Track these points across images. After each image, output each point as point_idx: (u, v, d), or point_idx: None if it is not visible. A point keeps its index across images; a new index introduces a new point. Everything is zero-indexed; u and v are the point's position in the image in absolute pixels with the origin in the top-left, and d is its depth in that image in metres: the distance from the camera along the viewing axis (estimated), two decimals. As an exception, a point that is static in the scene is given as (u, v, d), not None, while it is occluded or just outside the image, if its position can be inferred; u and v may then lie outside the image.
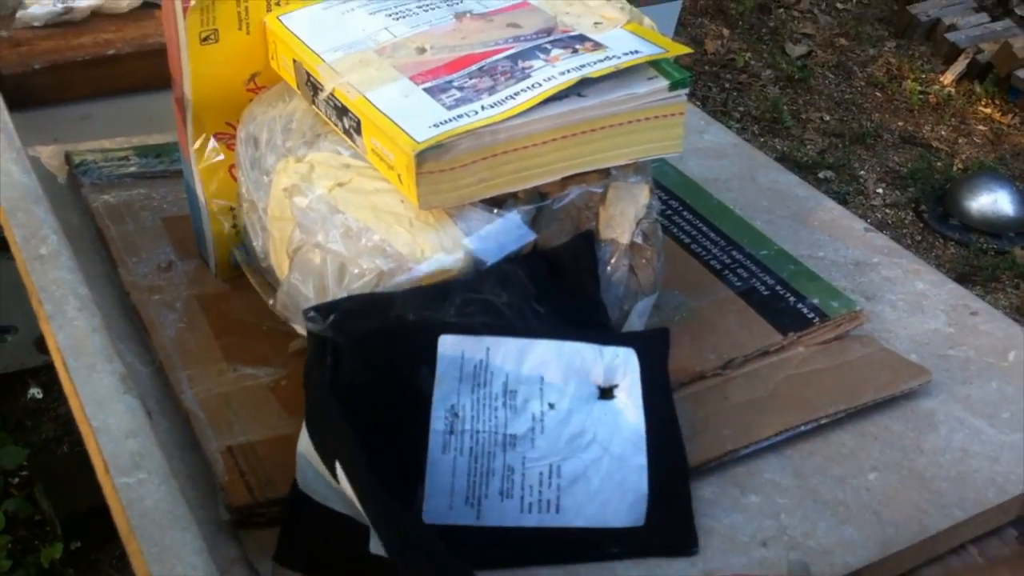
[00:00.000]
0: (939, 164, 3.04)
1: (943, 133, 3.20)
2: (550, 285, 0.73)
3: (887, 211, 2.85)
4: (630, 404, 0.70)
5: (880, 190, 2.93)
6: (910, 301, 0.91)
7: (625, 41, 0.73)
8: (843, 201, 2.82)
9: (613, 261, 0.75)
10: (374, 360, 0.66)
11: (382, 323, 0.66)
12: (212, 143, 0.80)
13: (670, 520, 0.68)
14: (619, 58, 0.70)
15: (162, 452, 0.61)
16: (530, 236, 0.71)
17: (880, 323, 0.88)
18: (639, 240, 0.76)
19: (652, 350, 0.73)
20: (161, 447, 0.64)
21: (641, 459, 0.68)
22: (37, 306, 0.72)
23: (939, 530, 0.71)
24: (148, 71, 1.05)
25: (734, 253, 0.93)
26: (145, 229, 0.89)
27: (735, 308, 0.86)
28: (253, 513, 0.66)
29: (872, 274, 0.94)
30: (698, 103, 3.15)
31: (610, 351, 0.71)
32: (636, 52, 0.71)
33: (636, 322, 0.78)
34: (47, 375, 2.17)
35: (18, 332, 2.02)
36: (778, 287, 0.88)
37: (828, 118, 3.21)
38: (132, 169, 0.96)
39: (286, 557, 0.64)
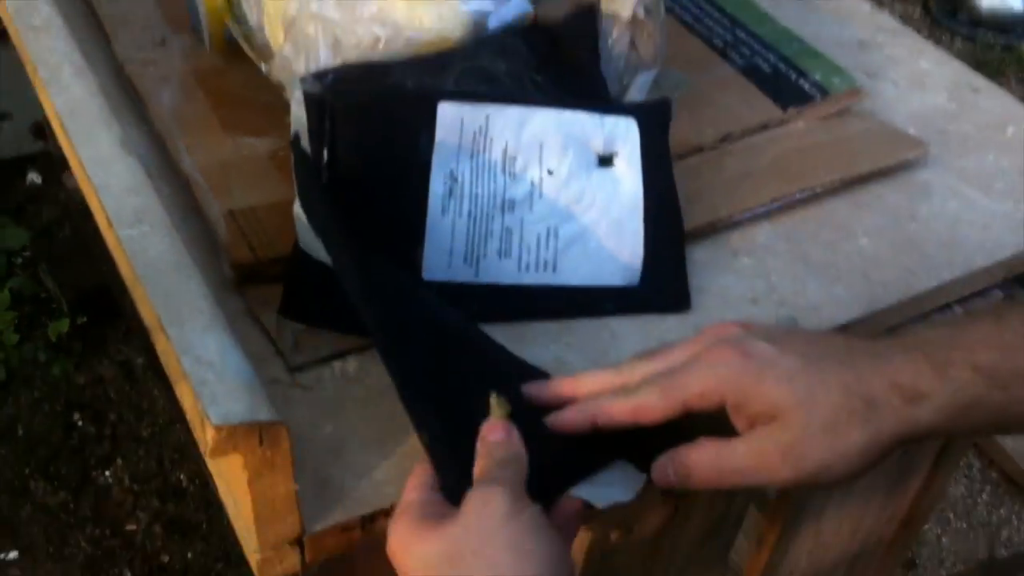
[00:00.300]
0: (952, -44, 2.95)
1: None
2: (550, 57, 0.73)
3: (896, 5, 2.79)
4: (629, 172, 0.70)
5: (890, -18, 2.86)
6: (912, 79, 0.91)
7: None
8: (852, -7, 2.75)
9: (614, 34, 0.75)
10: (372, 126, 0.66)
11: (380, 90, 0.66)
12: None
13: (664, 280, 0.70)
14: None
15: (163, 210, 0.62)
16: (528, 7, 0.71)
17: (881, 100, 0.88)
18: (641, 14, 0.75)
19: (653, 120, 0.73)
20: (165, 206, 0.65)
21: (638, 223, 0.70)
22: (33, 75, 0.72)
23: (926, 289, 0.74)
24: None
25: (737, 32, 0.92)
26: (137, 4, 0.87)
27: (736, 85, 0.86)
28: (255, 271, 0.68)
29: (876, 53, 0.93)
30: None
31: (611, 120, 0.71)
32: None
33: (636, 96, 0.78)
34: (45, 161, 2.17)
35: (14, 119, 1.99)
36: (780, 64, 0.88)
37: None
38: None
39: (290, 310, 0.66)
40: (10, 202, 2.15)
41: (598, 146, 0.70)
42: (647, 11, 0.76)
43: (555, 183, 0.68)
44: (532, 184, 0.68)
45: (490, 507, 0.51)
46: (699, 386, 0.54)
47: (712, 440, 0.55)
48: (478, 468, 0.54)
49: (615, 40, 0.75)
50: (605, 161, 0.70)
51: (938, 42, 2.67)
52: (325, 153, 0.66)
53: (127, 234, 0.60)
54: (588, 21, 0.74)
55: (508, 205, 0.67)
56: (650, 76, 0.79)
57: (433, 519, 0.52)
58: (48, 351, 1.94)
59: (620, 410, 0.55)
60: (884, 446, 0.53)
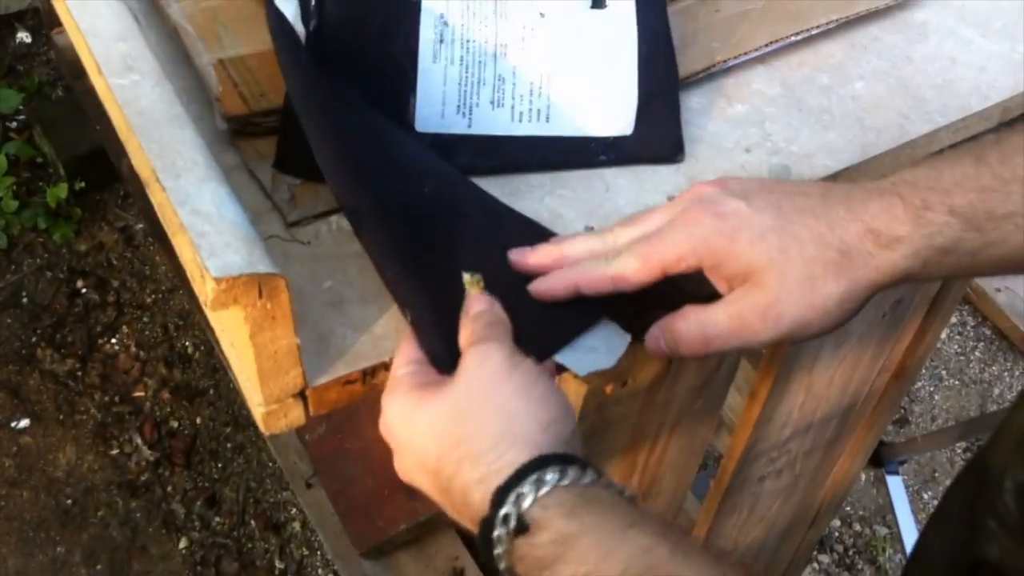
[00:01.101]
0: None
1: None
2: None
3: None
4: (622, 13, 0.69)
5: None
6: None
7: None
8: None
9: None
10: None
11: None
12: None
13: (657, 129, 0.69)
14: None
15: (153, 58, 0.61)
16: None
17: (878, -61, 0.86)
18: None
19: None
20: (154, 55, 0.64)
21: (632, 69, 0.68)
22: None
23: (919, 135, 0.73)
24: None
25: None
26: None
27: None
28: (249, 123, 0.67)
29: None
30: None
31: None
32: None
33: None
34: (34, 19, 2.12)
35: None
36: None
37: None
38: None
39: (284, 163, 0.65)
40: (1, 64, 2.12)
41: None
42: None
43: (547, 26, 0.67)
44: (524, 27, 0.66)
45: (491, 360, 0.51)
46: (675, 251, 0.55)
47: (695, 308, 0.56)
48: (465, 335, 0.54)
49: None
50: (598, 2, 0.69)
51: None
52: (312, 2, 0.64)
53: (118, 83, 0.59)
54: None
55: (500, 51, 0.66)
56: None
57: (430, 386, 0.52)
58: (48, 217, 1.94)
59: (601, 277, 0.56)
60: (860, 295, 0.54)
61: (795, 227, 0.54)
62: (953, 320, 1.83)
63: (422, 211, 0.60)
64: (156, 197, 0.56)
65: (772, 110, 0.73)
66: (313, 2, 0.64)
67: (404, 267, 0.57)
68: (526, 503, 0.47)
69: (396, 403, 0.53)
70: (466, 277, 0.57)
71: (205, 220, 0.53)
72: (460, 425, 0.50)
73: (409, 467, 0.53)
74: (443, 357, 0.54)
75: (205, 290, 0.51)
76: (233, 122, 0.67)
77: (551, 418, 0.50)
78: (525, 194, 0.66)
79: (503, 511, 0.47)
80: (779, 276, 0.53)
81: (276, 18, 0.63)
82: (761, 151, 0.71)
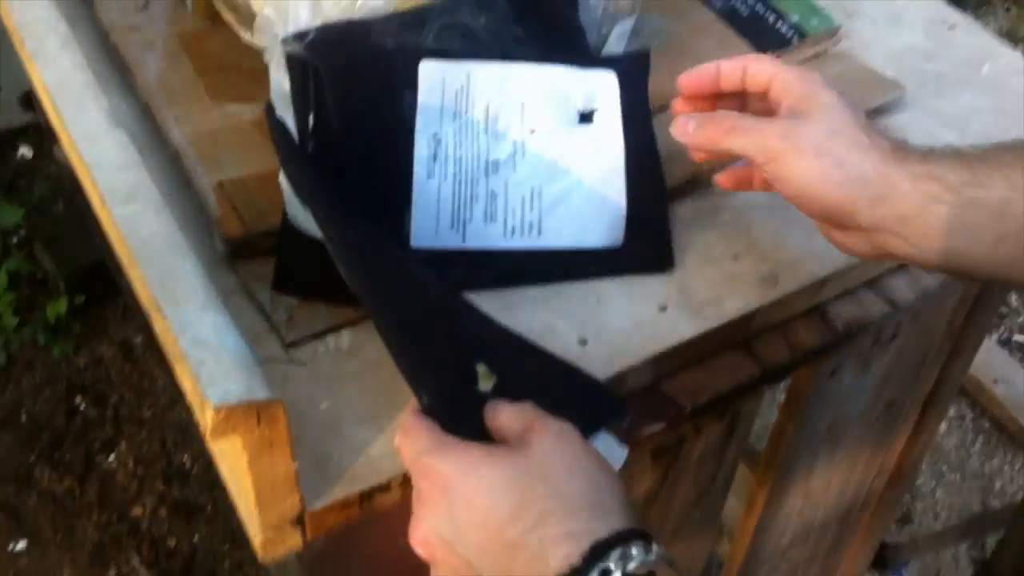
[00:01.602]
0: None
1: None
2: (529, 9, 0.73)
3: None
4: (610, 127, 0.70)
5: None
6: (889, 16, 0.91)
7: None
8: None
9: (592, -16, 0.75)
10: (355, 88, 0.66)
11: (361, 50, 0.66)
12: None
13: (647, 239, 0.71)
14: None
15: (156, 187, 0.62)
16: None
17: (859, 39, 0.88)
18: (617, -37, 0.75)
19: (632, 73, 0.73)
20: (156, 182, 0.65)
21: (620, 181, 0.70)
22: (19, 46, 0.71)
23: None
24: None
25: (714, -25, 0.91)
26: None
27: (714, 30, 0.86)
28: (248, 244, 0.68)
29: (853, -10, 0.93)
30: None
31: (590, 74, 0.71)
32: None
33: (615, 46, 0.79)
34: (35, 135, 2.15)
35: (1, 90, 1.96)
36: (758, 6, 0.88)
37: None
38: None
39: (284, 284, 0.66)
40: (2, 178, 2.14)
41: (579, 102, 0.70)
42: (623, -39, 0.76)
43: (537, 142, 0.68)
44: (515, 144, 0.68)
45: (570, 435, 0.53)
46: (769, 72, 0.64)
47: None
48: (521, 416, 0.54)
49: (593, -10, 0.75)
50: (586, 117, 0.70)
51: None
52: (311, 118, 0.66)
53: (120, 213, 0.61)
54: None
55: (492, 167, 0.67)
56: (628, 24, 0.79)
57: (493, 448, 0.53)
58: (47, 333, 1.94)
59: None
60: (868, 179, 0.60)
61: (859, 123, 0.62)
62: (952, 413, 1.82)
63: (431, 301, 0.62)
64: (157, 325, 0.57)
65: (759, 217, 0.74)
66: (311, 123, 0.65)
67: (417, 353, 0.57)
68: (631, 564, 0.47)
69: (455, 457, 0.52)
70: (481, 368, 0.57)
71: (205, 349, 0.54)
72: (546, 483, 0.50)
73: (462, 521, 0.51)
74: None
75: (205, 419, 0.51)
76: (232, 244, 0.68)
77: (628, 499, 0.51)
78: (518, 307, 0.67)
79: (602, 564, 0.47)
80: (823, 127, 0.61)
81: (278, 130, 0.65)
82: (749, 258, 0.72)
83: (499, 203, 0.67)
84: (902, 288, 0.78)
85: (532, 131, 0.68)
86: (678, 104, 0.68)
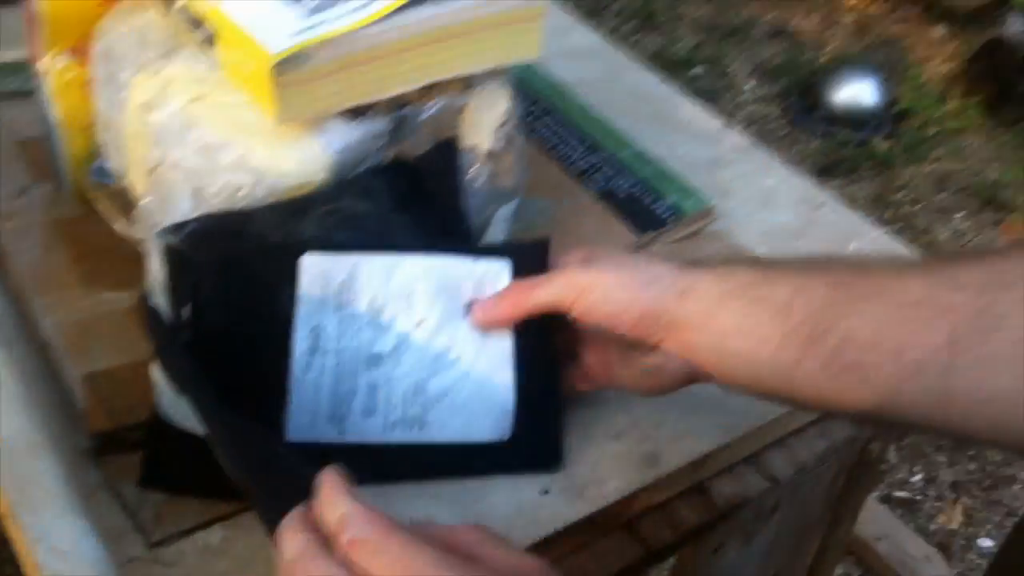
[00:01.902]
0: (806, 57, 3.12)
1: (812, 24, 3.27)
2: (412, 194, 0.74)
3: (756, 106, 2.92)
4: None
5: (749, 85, 2.99)
6: (760, 196, 0.95)
7: (482, -54, 0.73)
8: (713, 97, 2.88)
9: (474, 168, 0.77)
10: (234, 281, 0.66)
11: (241, 243, 0.66)
12: (65, 59, 0.78)
13: (536, 436, 0.70)
14: (474, -35, 0.71)
15: (18, 383, 0.61)
16: (390, 146, 0.72)
17: (733, 219, 0.92)
18: (500, 146, 0.77)
19: (527, 262, 0.71)
20: (20, 377, 0.64)
21: (508, 374, 0.69)
22: None
23: (783, 412, 0.76)
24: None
25: (595, 155, 0.95)
26: (-1, 153, 0.87)
27: (595, 211, 0.89)
28: (115, 439, 0.66)
29: (726, 171, 0.98)
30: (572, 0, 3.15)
31: (482, 264, 0.70)
32: (490, -41, 0.71)
33: (499, 228, 0.80)
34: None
35: None
36: (636, 188, 0.91)
37: (701, 12, 3.24)
38: (-20, 90, 0.93)
39: (150, 480, 0.65)
40: None
41: (468, 292, 0.69)
42: (506, 143, 0.78)
43: (423, 334, 0.68)
44: (399, 336, 0.67)
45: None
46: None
47: None
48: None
49: (475, 173, 0.77)
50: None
51: (796, 140, 2.80)
52: (188, 309, 0.65)
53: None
54: (448, 156, 0.75)
55: (374, 360, 0.66)
56: (511, 207, 0.81)
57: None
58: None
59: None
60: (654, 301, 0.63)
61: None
62: (839, 571, 1.84)
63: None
64: (13, 533, 0.55)
65: (638, 395, 0.75)
66: (188, 315, 0.65)
67: None
68: None
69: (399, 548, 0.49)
70: None
71: (61, 558, 0.53)
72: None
73: None
74: None
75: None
76: (98, 438, 0.66)
77: None
78: (395, 494, 0.65)
79: None
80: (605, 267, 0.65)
81: (153, 320, 0.64)
82: (630, 438, 0.73)
83: (380, 396, 0.67)
84: (780, 464, 0.79)
85: (418, 323, 0.68)
86: None
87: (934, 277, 0.58)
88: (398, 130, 0.73)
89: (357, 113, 0.70)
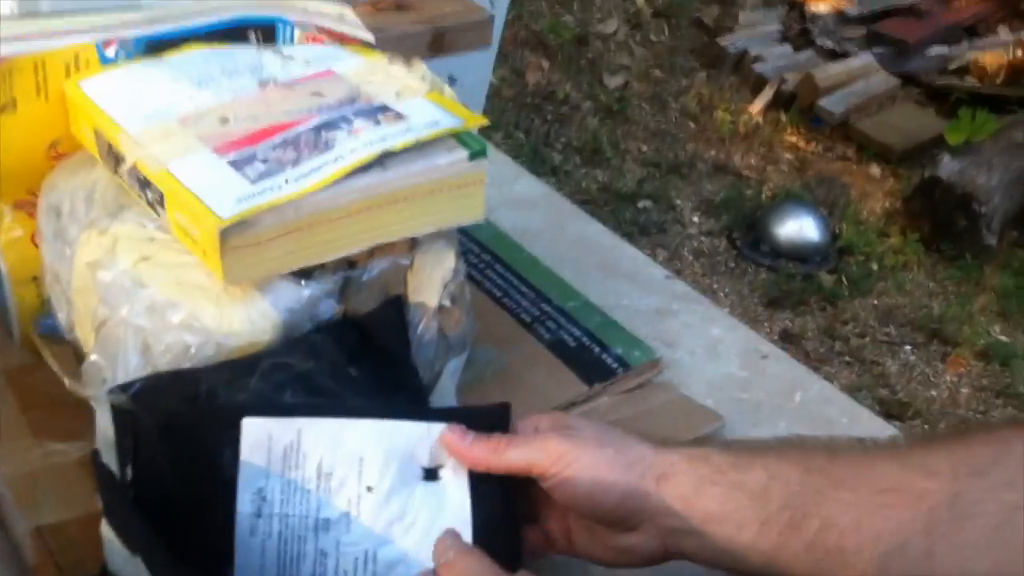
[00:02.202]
0: (749, 192, 3.20)
1: (752, 161, 3.37)
2: (362, 350, 0.74)
3: (703, 239, 2.98)
4: (455, 484, 0.67)
5: (696, 218, 3.06)
6: (706, 346, 0.97)
7: (425, 111, 0.75)
8: (661, 230, 2.94)
9: (423, 324, 0.77)
10: (174, 443, 0.65)
11: (183, 404, 0.66)
12: (13, 212, 0.78)
13: None
14: (419, 130, 0.72)
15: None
16: (339, 306, 0.73)
17: (680, 369, 0.93)
18: (447, 303, 0.78)
19: (488, 428, 0.69)
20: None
21: (467, 539, 0.66)
22: None
23: None
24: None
25: (543, 306, 0.96)
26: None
27: (544, 361, 0.90)
28: (62, 597, 0.65)
29: (672, 321, 1.00)
30: (521, 134, 3.22)
31: (437, 428, 0.68)
32: (436, 123, 0.73)
33: (448, 381, 0.80)
34: None
35: None
36: (584, 338, 0.93)
37: (646, 148, 3.33)
38: (-71, 236, 0.92)
39: None
40: None
41: (423, 458, 0.67)
42: (453, 299, 0.79)
43: (374, 501, 0.65)
44: (349, 502, 0.65)
45: None
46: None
47: None
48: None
49: (424, 328, 0.78)
50: (431, 474, 0.67)
51: (744, 273, 2.86)
52: (129, 470, 0.64)
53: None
54: (396, 312, 0.76)
55: (322, 525, 0.65)
56: (460, 361, 0.82)
57: None
58: None
59: None
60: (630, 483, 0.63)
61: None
62: None
63: None
64: None
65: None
66: (130, 475, 0.64)
67: None
68: None
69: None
70: None
71: None
72: None
73: None
74: None
75: None
76: (46, 595, 0.65)
77: None
78: None
79: None
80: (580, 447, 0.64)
81: (104, 476, 0.63)
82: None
83: (329, 563, 0.65)
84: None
85: (369, 489, 0.66)
86: None
87: (904, 461, 0.60)
88: (346, 289, 0.74)
89: (305, 273, 0.71)
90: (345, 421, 0.66)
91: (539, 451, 0.64)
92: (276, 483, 0.65)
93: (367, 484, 0.66)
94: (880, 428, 0.91)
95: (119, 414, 0.65)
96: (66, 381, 0.71)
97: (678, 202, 3.09)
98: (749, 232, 2.96)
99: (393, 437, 0.67)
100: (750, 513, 0.61)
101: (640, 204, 3.02)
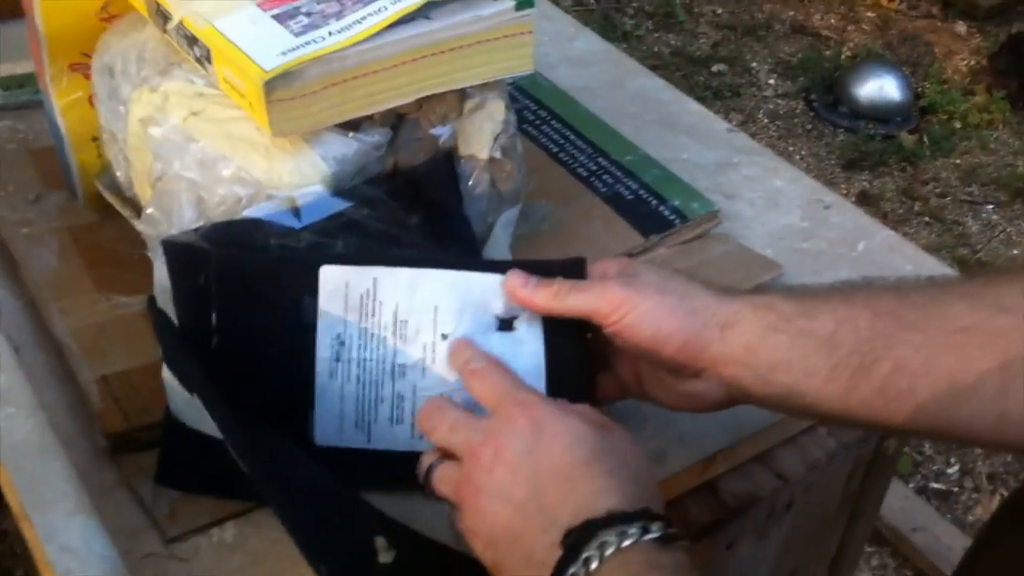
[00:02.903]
0: (828, 53, 3.10)
1: (832, 21, 3.25)
2: (413, 202, 0.75)
3: (779, 101, 2.91)
4: (530, 336, 0.67)
5: (772, 81, 2.98)
6: (767, 198, 0.95)
7: (471, -40, 0.73)
8: (736, 94, 2.87)
9: (473, 177, 0.77)
10: (255, 290, 0.66)
11: (256, 253, 0.67)
12: (69, 75, 0.80)
13: None
14: (464, -22, 0.71)
15: (30, 386, 0.63)
16: (388, 157, 0.73)
17: (739, 221, 0.92)
18: (498, 155, 0.78)
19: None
20: (34, 379, 0.65)
21: (540, 389, 0.67)
22: None
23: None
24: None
25: (600, 160, 0.95)
26: (11, 162, 0.89)
27: (600, 214, 0.89)
28: (130, 439, 0.68)
29: (732, 173, 0.98)
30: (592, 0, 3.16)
31: None
32: (481, -28, 0.72)
33: (501, 234, 0.81)
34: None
35: None
36: (641, 191, 0.92)
37: (720, 10, 3.24)
38: (-4, 101, 0.95)
39: (167, 478, 0.66)
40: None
41: (498, 309, 0.67)
42: (504, 151, 0.79)
43: (449, 348, 0.67)
44: (424, 348, 0.67)
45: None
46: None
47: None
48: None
49: (475, 181, 0.78)
50: (505, 324, 0.67)
51: (821, 135, 2.79)
52: (214, 316, 0.66)
53: (-8, 418, 0.61)
54: (446, 164, 0.76)
55: (399, 371, 0.66)
56: (514, 213, 0.82)
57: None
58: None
59: None
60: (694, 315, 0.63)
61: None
62: (875, 563, 1.83)
63: (328, 486, 0.62)
64: (26, 532, 0.56)
65: (646, 397, 0.75)
66: (215, 320, 0.66)
67: (319, 532, 0.58)
68: (609, 550, 0.52)
69: (549, 402, 0.60)
70: (379, 542, 0.58)
71: (72, 556, 0.54)
72: (617, 457, 0.57)
73: (542, 447, 0.57)
74: None
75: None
76: (113, 439, 0.68)
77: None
78: (422, 509, 0.65)
79: (643, 524, 0.53)
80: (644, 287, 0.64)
81: (161, 323, 0.65)
82: (638, 437, 0.72)
83: (406, 406, 0.67)
84: (792, 462, 0.79)
85: (444, 336, 0.67)
86: None
87: (976, 300, 0.59)
88: (395, 142, 0.74)
89: (353, 125, 0.71)
90: (420, 271, 0.67)
91: (599, 297, 0.63)
92: (354, 329, 0.67)
93: (442, 332, 0.67)
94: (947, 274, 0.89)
95: (180, 259, 0.67)
96: (136, 223, 0.73)
97: (753, 65, 3.00)
98: (827, 93, 2.87)
99: (467, 287, 0.68)
100: (818, 360, 0.60)
101: (714, 68, 2.95)
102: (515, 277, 0.66)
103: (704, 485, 0.76)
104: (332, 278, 0.66)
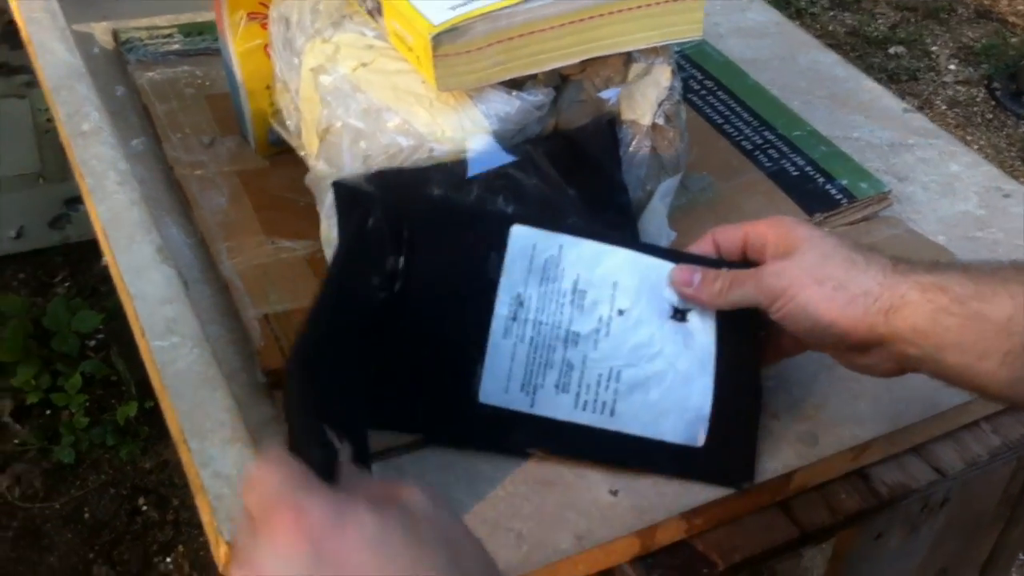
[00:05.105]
0: (1014, 40, 2.94)
1: (1021, 7, 3.08)
2: (572, 164, 0.74)
3: (959, 88, 2.78)
4: (703, 329, 0.68)
5: (952, 66, 2.85)
6: (942, 183, 0.91)
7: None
8: (913, 78, 2.76)
9: (634, 142, 0.76)
10: (444, 239, 0.68)
11: (446, 204, 0.68)
12: (247, 23, 0.82)
13: (730, 449, 0.68)
14: (636, -60, 0.70)
15: (197, 319, 0.65)
16: (549, 118, 0.72)
17: (910, 204, 0.88)
18: (661, 122, 0.76)
19: None
20: (199, 314, 0.68)
21: (708, 381, 0.68)
22: (80, 180, 0.75)
23: (950, 406, 0.73)
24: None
25: (766, 134, 0.93)
26: (188, 106, 0.92)
27: (763, 189, 0.87)
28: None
29: (906, 155, 0.94)
30: (765, -23, 3.07)
31: None
32: (654, -67, 0.71)
33: (659, 203, 0.80)
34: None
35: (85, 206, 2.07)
36: (808, 168, 0.89)
37: (901, -8, 3.11)
38: (176, 47, 0.98)
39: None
40: (84, 285, 2.23)
41: (673, 298, 0.68)
42: (667, 118, 0.77)
43: (624, 324, 0.67)
44: (600, 321, 0.67)
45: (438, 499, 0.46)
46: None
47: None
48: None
49: (636, 146, 0.77)
50: (679, 314, 0.68)
51: (1003, 125, 2.65)
52: (400, 260, 0.67)
53: (158, 345, 0.64)
54: (607, 128, 0.76)
55: (572, 338, 0.67)
56: (674, 182, 0.80)
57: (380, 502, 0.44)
58: (116, 434, 1.98)
59: None
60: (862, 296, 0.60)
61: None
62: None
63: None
64: (183, 457, 0.59)
65: (801, 376, 0.73)
66: (402, 263, 0.67)
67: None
68: None
69: (331, 501, 0.43)
70: None
71: (225, 483, 0.55)
72: (441, 552, 0.43)
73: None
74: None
75: (219, 553, 0.52)
76: (271, 375, 0.70)
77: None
78: (583, 475, 0.66)
79: None
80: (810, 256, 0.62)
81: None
82: (789, 417, 0.71)
83: (574, 375, 0.67)
84: (949, 456, 0.76)
85: (620, 312, 0.67)
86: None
87: None
88: (557, 103, 0.73)
89: (517, 84, 0.71)
90: (605, 246, 0.68)
91: (757, 291, 0.63)
92: (534, 291, 0.67)
93: (619, 307, 0.68)
94: None
95: (357, 196, 0.68)
96: (313, 162, 0.74)
97: (934, 49, 2.88)
98: (1011, 82, 2.73)
99: (648, 270, 0.68)
100: (993, 343, 0.58)
101: (891, 50, 2.84)
102: (680, 273, 0.67)
103: (855, 472, 0.73)
104: (521, 238, 0.68)
